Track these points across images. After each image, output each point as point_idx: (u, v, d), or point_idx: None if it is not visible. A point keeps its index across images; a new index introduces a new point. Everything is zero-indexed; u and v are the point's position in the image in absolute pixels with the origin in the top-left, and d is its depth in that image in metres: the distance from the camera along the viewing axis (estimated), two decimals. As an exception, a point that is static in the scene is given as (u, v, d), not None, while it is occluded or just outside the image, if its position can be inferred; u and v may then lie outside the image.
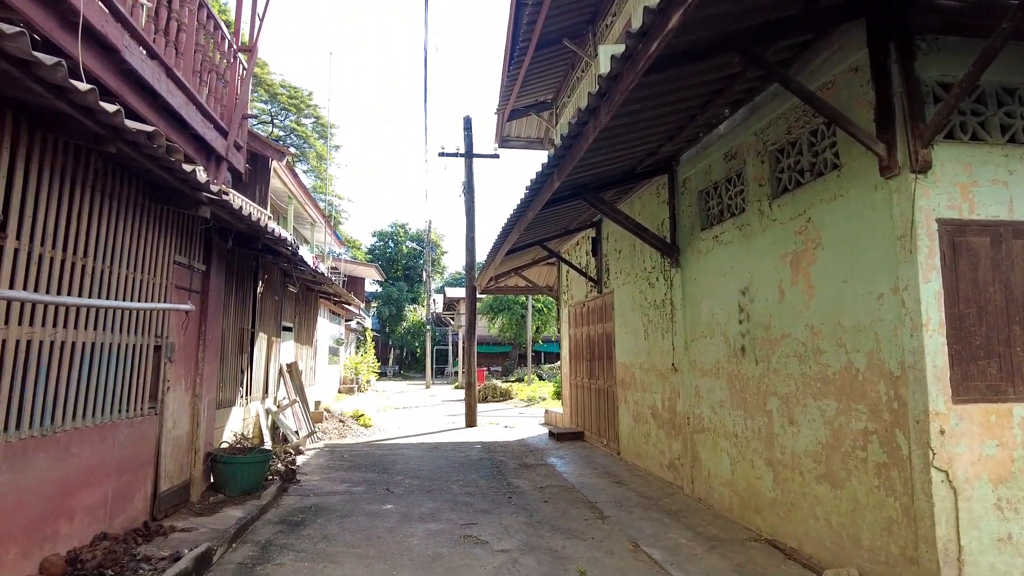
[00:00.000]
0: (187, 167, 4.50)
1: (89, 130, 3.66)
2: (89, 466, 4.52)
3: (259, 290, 9.61)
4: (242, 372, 8.89)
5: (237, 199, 6.13)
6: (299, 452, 9.91)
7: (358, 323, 32.31)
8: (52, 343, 4.07)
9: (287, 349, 11.79)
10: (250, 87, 7.38)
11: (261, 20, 7.06)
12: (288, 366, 11.53)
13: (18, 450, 3.79)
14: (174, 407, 5.94)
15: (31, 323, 3.86)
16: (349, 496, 7.25)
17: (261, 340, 9.86)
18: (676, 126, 6.02)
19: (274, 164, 15.58)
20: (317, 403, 14.64)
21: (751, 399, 5.84)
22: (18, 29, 2.68)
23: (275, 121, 41.89)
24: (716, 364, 6.56)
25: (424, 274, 39.92)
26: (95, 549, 4.39)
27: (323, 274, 11.99)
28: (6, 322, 3.66)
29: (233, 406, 8.44)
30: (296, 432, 10.67)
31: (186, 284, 6.16)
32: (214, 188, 5.04)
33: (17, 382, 3.76)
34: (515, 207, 7.58)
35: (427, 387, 31.71)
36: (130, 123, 3.63)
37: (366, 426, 13.67)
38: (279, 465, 8.14)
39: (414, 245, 48.23)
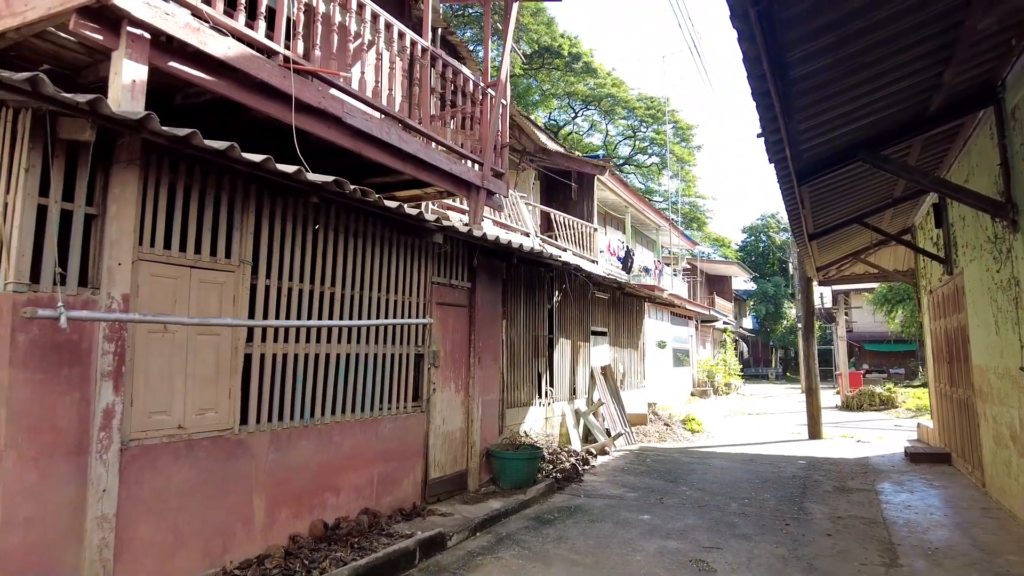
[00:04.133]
0: (391, 203, 5.28)
1: (293, 188, 4.66)
2: (352, 453, 5.63)
3: (556, 299, 10.33)
4: (539, 375, 9.68)
5: (462, 221, 6.79)
6: (603, 453, 10.22)
7: (724, 323, 31.35)
8: (307, 355, 5.24)
9: (600, 352, 12.29)
10: (507, 117, 8.08)
11: (501, 60, 7.71)
12: (602, 369, 12.00)
13: (282, 437, 5.00)
14: (442, 406, 6.89)
15: (285, 340, 5.06)
16: (617, 501, 7.23)
17: (563, 345, 10.55)
18: (948, 39, 4.38)
19: (598, 178, 16.47)
20: (651, 405, 14.79)
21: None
22: (141, 115, 3.64)
23: (637, 134, 43.73)
24: (1068, 368, 4.51)
25: (791, 265, 36.34)
26: (355, 521, 5.44)
27: (611, 277, 12.18)
28: (263, 340, 4.89)
29: (530, 406, 9.25)
30: (608, 432, 11.03)
31: (448, 300, 7.09)
32: (430, 217, 5.75)
33: (277, 386, 4.97)
34: (781, 190, 6.53)
35: (802, 391, 28.66)
36: (314, 176, 4.49)
37: (692, 431, 13.23)
38: (567, 463, 8.59)
39: (788, 236, 44.30)
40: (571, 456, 9.07)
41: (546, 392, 9.85)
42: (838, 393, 21.43)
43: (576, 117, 42.21)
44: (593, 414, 11.12)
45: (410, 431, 6.40)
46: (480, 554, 5.36)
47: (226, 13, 4.57)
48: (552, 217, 14.25)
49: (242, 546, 4.58)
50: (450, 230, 6.17)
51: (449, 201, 9.70)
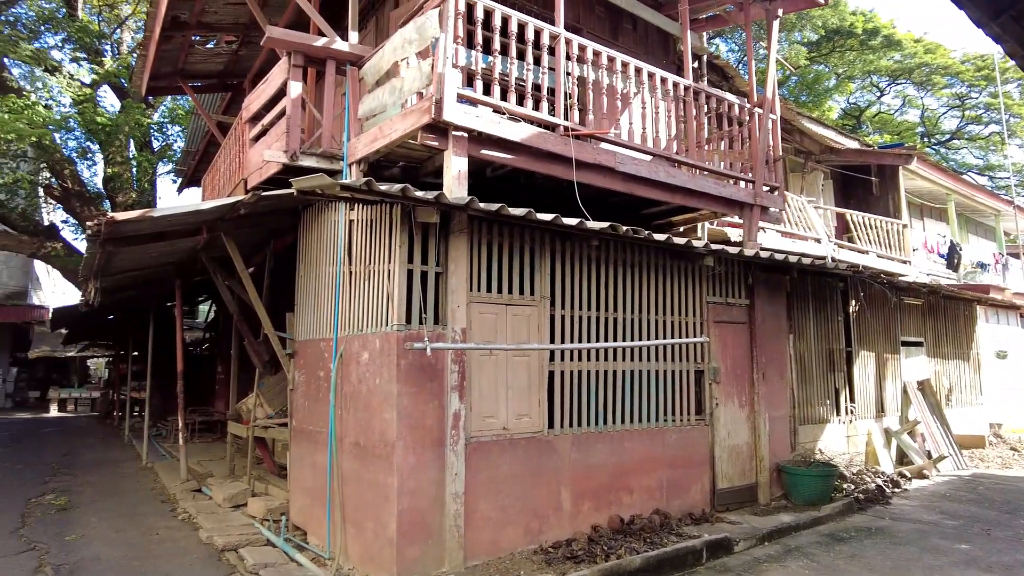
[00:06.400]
0: (659, 236, 5.92)
1: (577, 234, 5.61)
2: (641, 458, 6.35)
3: (852, 309, 9.73)
4: (837, 391, 9.23)
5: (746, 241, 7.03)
6: (921, 477, 9.24)
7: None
8: (597, 372, 6.15)
9: (914, 365, 11.01)
10: (777, 131, 8.11)
11: (767, 76, 7.80)
12: (918, 384, 10.76)
13: (581, 440, 5.95)
14: (726, 420, 7.21)
15: (579, 359, 6.04)
16: (930, 527, 6.67)
17: (864, 358, 9.85)
18: None
19: (903, 168, 14.87)
20: (992, 426, 12.63)
21: None
22: (466, 200, 4.82)
23: (965, 102, 36.85)
24: None
25: None
26: (647, 519, 6.14)
27: (919, 281, 10.78)
28: (562, 359, 5.93)
29: (827, 423, 8.90)
30: (928, 455, 9.90)
31: (726, 318, 7.40)
32: (698, 243, 6.23)
33: (574, 397, 5.96)
34: None
35: None
36: (592, 224, 5.38)
37: (1052, 458, 10.95)
38: (871, 484, 8.08)
39: None
40: (877, 477, 8.47)
41: (846, 409, 9.33)
42: None
43: (882, 96, 37.32)
44: (908, 434, 10.08)
45: (695, 442, 6.88)
46: (766, 561, 5.61)
47: (517, 101, 5.78)
48: (848, 218, 13.24)
49: (553, 529, 5.62)
50: (720, 252, 6.55)
51: (729, 218, 9.90)
